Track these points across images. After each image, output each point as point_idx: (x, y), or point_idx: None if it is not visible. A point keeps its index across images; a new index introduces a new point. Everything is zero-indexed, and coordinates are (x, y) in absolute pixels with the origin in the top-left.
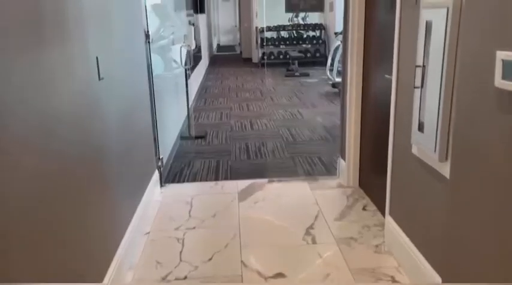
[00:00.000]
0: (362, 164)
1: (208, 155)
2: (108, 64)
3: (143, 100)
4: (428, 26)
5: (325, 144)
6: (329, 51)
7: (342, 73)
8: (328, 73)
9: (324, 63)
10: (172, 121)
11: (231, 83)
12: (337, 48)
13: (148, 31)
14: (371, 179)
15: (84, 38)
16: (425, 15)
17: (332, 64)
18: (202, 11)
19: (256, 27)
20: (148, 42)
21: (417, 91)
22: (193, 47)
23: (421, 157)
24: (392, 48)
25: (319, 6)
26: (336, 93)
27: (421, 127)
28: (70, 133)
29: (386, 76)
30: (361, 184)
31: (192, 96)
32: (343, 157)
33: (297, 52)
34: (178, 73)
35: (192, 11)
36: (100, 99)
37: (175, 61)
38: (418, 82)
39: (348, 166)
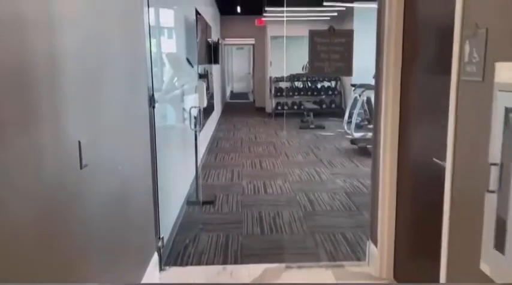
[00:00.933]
0: (397, 252)
1: (216, 227)
2: (96, 147)
3: (143, 176)
4: (509, 114)
5: (348, 215)
6: (345, 102)
7: (373, 142)
8: (345, 127)
9: (339, 115)
10: (179, 186)
11: (244, 135)
12: (355, 101)
13: (153, 93)
14: (410, 271)
15: (62, 118)
16: (503, 99)
17: (350, 117)
18: (216, 62)
19: (270, 77)
20: (153, 106)
21: (492, 196)
22: (204, 104)
23: (499, 281)
24: (442, 124)
25: (347, 70)
26: (355, 151)
27: (499, 245)
28: (43, 226)
29: (436, 160)
30: (397, 276)
31: (202, 151)
32: (374, 242)
33: (312, 103)
34: (187, 127)
35: (206, 62)
36: (82, 190)
37: (184, 109)
38: (494, 185)
39: (381, 253)
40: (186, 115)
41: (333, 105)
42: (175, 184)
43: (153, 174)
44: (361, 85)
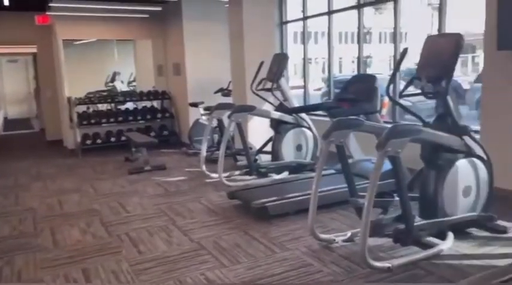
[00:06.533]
0: None
1: None
2: None
3: None
4: None
5: None
6: (179, 127)
7: None
8: (203, 168)
9: (173, 144)
10: None
11: (36, 200)
12: (208, 129)
13: None
14: None
15: None
16: None
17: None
18: None
19: (69, 98)
20: None
21: None
22: None
23: None
24: None
25: None
26: (239, 209)
27: None
28: None
29: None
30: None
31: None
32: None
33: (137, 132)
34: None
35: None
36: None
37: None
38: None
39: None
40: None
41: (165, 132)
42: None
43: None
44: (221, 106)
